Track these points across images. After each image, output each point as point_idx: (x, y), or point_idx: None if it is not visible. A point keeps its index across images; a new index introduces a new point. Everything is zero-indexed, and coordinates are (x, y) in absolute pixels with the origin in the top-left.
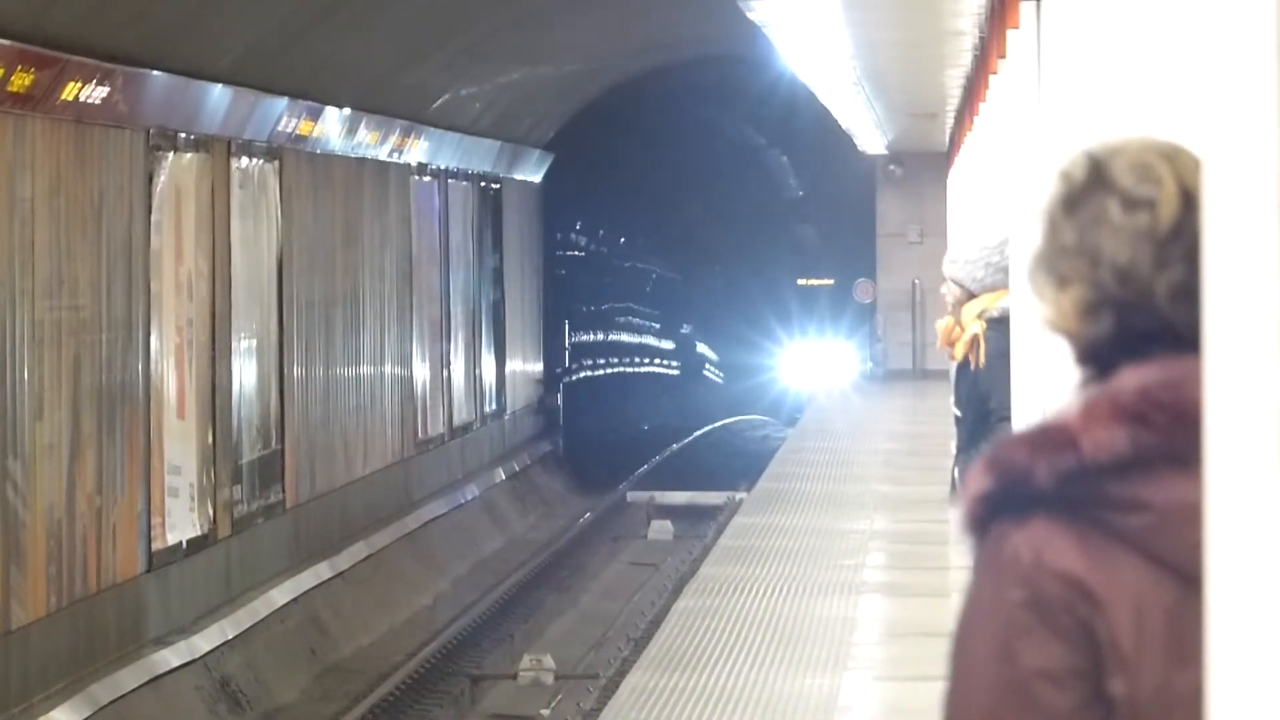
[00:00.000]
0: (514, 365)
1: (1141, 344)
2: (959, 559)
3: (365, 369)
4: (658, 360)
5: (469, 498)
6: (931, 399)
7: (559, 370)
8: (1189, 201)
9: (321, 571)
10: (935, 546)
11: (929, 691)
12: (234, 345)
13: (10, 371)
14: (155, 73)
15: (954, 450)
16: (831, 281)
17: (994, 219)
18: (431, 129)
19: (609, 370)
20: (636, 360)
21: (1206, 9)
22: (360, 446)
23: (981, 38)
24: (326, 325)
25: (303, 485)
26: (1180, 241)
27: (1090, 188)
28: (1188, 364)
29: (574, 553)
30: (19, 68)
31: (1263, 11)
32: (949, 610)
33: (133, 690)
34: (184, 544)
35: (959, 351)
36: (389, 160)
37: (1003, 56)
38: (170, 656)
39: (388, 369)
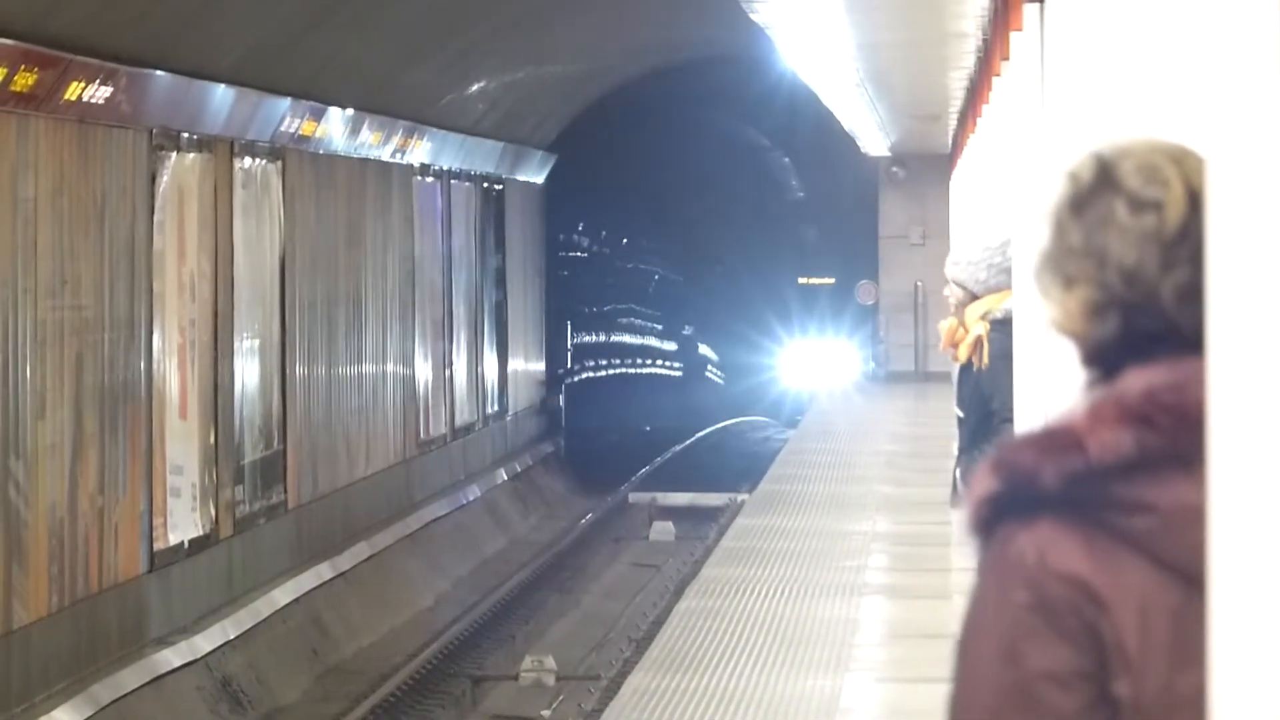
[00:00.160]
0: (516, 366)
1: (1147, 345)
2: (961, 561)
3: (367, 369)
4: (660, 361)
5: (471, 498)
6: (933, 401)
7: (561, 371)
8: (1196, 203)
9: (323, 572)
10: (937, 548)
11: (931, 693)
12: (236, 345)
13: (13, 371)
14: (158, 73)
15: (956, 452)
16: (832, 280)
17: (997, 221)
18: (434, 130)
19: (611, 371)
20: (638, 361)
21: (1210, 11)
22: (362, 447)
23: (984, 39)
24: (329, 326)
25: (305, 485)
26: (1187, 243)
27: (1097, 189)
28: (1194, 366)
29: (576, 554)
30: (22, 67)
31: (1266, 13)
32: (951, 612)
33: (134, 690)
34: (186, 544)
35: (962, 353)
36: (392, 161)
37: (1006, 58)
38: (172, 656)
39: (390, 369)
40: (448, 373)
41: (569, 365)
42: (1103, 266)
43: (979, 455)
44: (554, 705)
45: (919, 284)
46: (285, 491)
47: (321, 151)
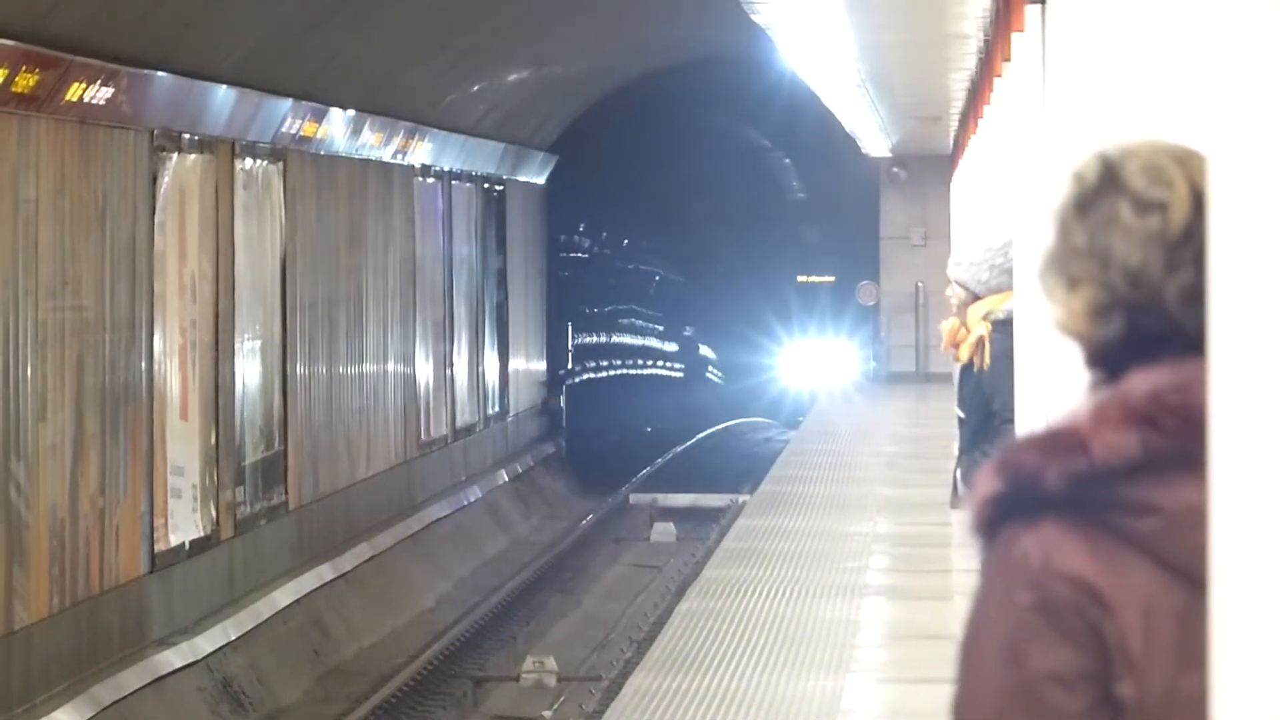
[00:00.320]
0: (517, 367)
1: (1152, 347)
2: (962, 562)
3: (368, 370)
4: (661, 362)
5: (472, 499)
6: (934, 402)
7: (562, 372)
8: (1200, 204)
9: (324, 573)
10: (938, 549)
11: (932, 694)
12: (237, 346)
13: (14, 372)
14: (159, 74)
15: (957, 452)
16: (832, 279)
17: (998, 222)
18: (435, 130)
19: (612, 372)
20: (639, 362)
21: (1212, 11)
22: (363, 448)
23: (986, 40)
24: (330, 326)
25: (305, 486)
26: (1191, 244)
27: (1102, 190)
28: (1198, 367)
29: (577, 554)
30: (23, 68)
31: (1268, 13)
32: (952, 613)
33: (135, 691)
34: (187, 545)
35: (964, 353)
36: (393, 162)
37: (1007, 59)
38: (173, 657)
39: (391, 370)
40: (449, 373)
41: (570, 366)
42: (1107, 267)
43: (980, 456)
44: (555, 706)
45: (920, 285)
46: (286, 492)
47: (323, 152)
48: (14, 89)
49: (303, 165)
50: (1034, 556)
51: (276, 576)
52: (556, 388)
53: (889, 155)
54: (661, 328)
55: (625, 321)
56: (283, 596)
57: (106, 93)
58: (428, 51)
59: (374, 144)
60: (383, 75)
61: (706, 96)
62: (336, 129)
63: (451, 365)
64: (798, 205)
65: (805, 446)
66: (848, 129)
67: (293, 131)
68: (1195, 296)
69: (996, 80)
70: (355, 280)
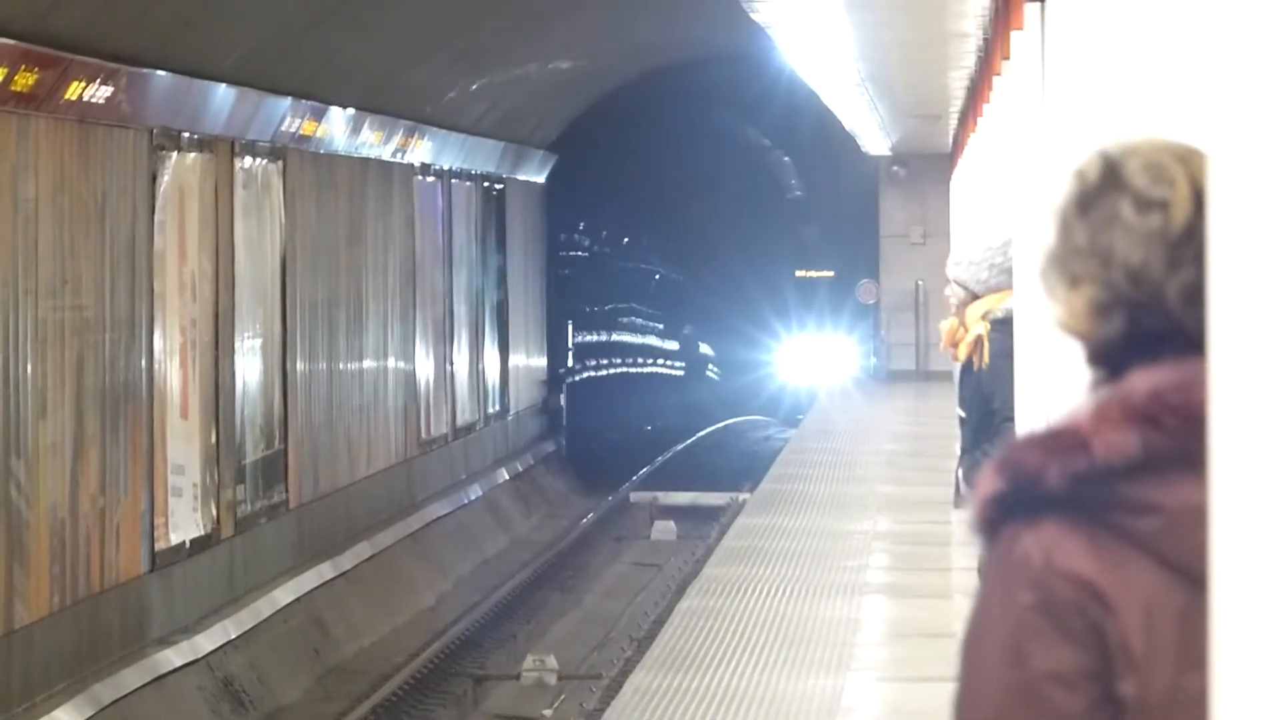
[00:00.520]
0: (517, 365)
1: (1153, 345)
2: (962, 560)
3: (369, 369)
4: (661, 361)
5: (472, 498)
6: (934, 400)
7: (562, 370)
8: (1201, 203)
9: (324, 571)
10: (939, 548)
11: (933, 693)
12: (237, 345)
13: (14, 371)
14: (159, 72)
15: (958, 451)
16: (831, 273)
17: (998, 220)
18: (435, 129)
19: (612, 371)
20: (640, 361)
21: (1211, 9)
22: (363, 446)
23: (985, 39)
24: (330, 325)
25: (306, 485)
26: (1192, 243)
27: (1103, 188)
28: (1199, 366)
29: (577, 553)
30: (22, 67)
31: (1267, 11)
32: (952, 611)
33: (135, 690)
34: (187, 544)
35: (963, 352)
36: (393, 160)
37: (1006, 58)
38: (173, 656)
39: (391, 369)
40: (449, 372)
41: (570, 364)
42: (1108, 266)
43: (981, 455)
44: (556, 705)
45: (920, 283)
46: (286, 491)
47: (322, 151)
48: (13, 88)
49: (302, 164)
50: (1035, 556)
51: (277, 575)
52: (556, 386)
53: (889, 154)
54: (661, 326)
55: (625, 320)
56: (283, 595)
57: (106, 92)
58: (427, 50)
59: (374, 143)
60: (382, 74)
61: (706, 95)
62: (336, 128)
63: (451, 364)
64: (797, 204)
65: (805, 445)
66: (847, 127)
67: (292, 130)
68: (1196, 295)
69: (996, 79)
70: (355, 279)
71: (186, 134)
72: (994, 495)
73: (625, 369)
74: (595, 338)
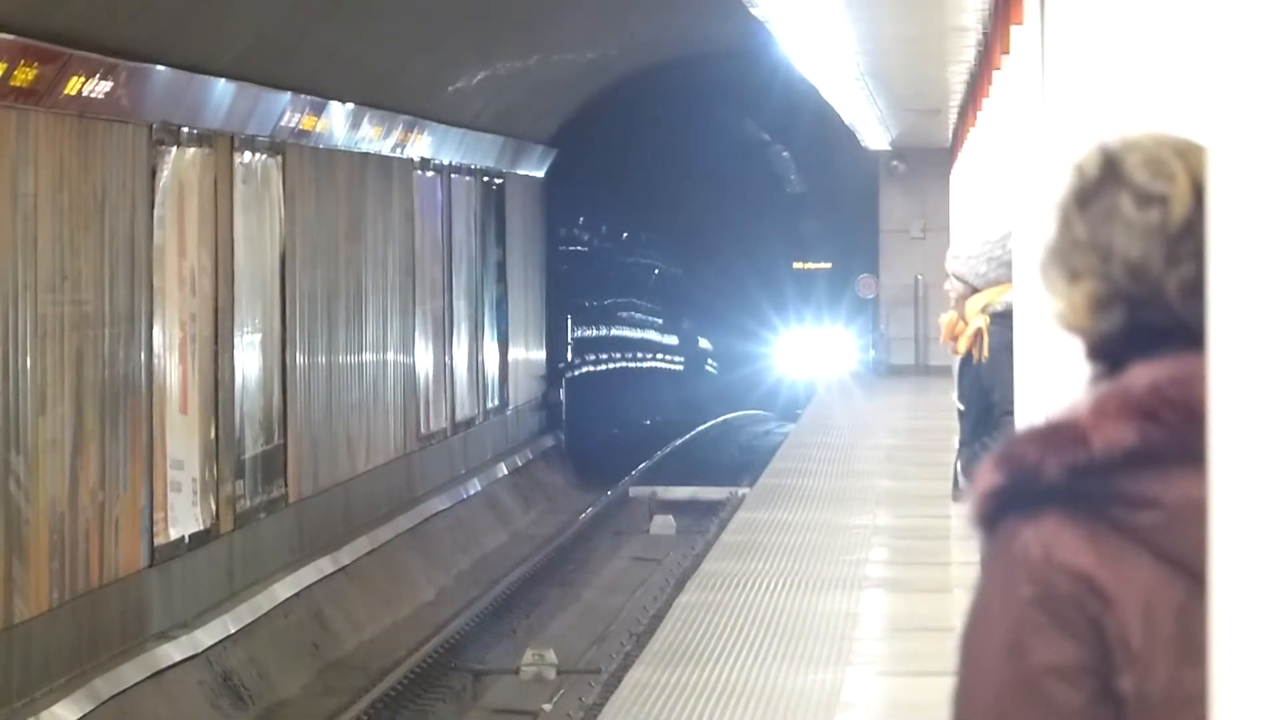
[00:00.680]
0: (516, 360)
1: (1152, 340)
2: (961, 554)
3: (368, 364)
4: (660, 355)
5: (471, 493)
6: (934, 394)
7: (561, 365)
8: (1201, 198)
9: (324, 566)
10: (938, 541)
11: (932, 686)
12: (237, 340)
13: (13, 366)
14: (159, 67)
15: (957, 445)
16: (829, 265)
17: (997, 215)
18: (435, 124)
19: (611, 365)
20: (639, 355)
21: (1211, 3)
22: (363, 441)
23: (985, 33)
24: (329, 320)
25: (305, 480)
26: (1192, 238)
27: (1103, 182)
28: (1198, 361)
29: (576, 548)
30: (22, 62)
31: (1267, 6)
32: (952, 605)
33: (135, 685)
34: (186, 539)
35: (962, 346)
36: (392, 155)
37: (1006, 52)
38: (173, 651)
39: (390, 363)
40: (448, 367)
41: (569, 359)
42: (1108, 260)
43: (980, 448)
44: (555, 699)
45: (919, 278)
46: (286, 486)
47: (322, 146)
48: (13, 83)
49: (302, 159)
50: (1034, 549)
51: (276, 570)
52: (556, 381)
53: (888, 148)
54: (660, 320)
55: (624, 314)
56: (282, 590)
57: (105, 86)
58: (427, 45)
59: (373, 138)
60: (382, 69)
61: (705, 90)
62: (336, 123)
63: (451, 359)
64: (796, 198)
65: (804, 439)
66: (847, 122)
67: (292, 125)
68: (1196, 290)
69: (995, 73)
70: (354, 274)
71: (186, 129)
72: (993, 489)
73: (624, 364)
74: (594, 332)
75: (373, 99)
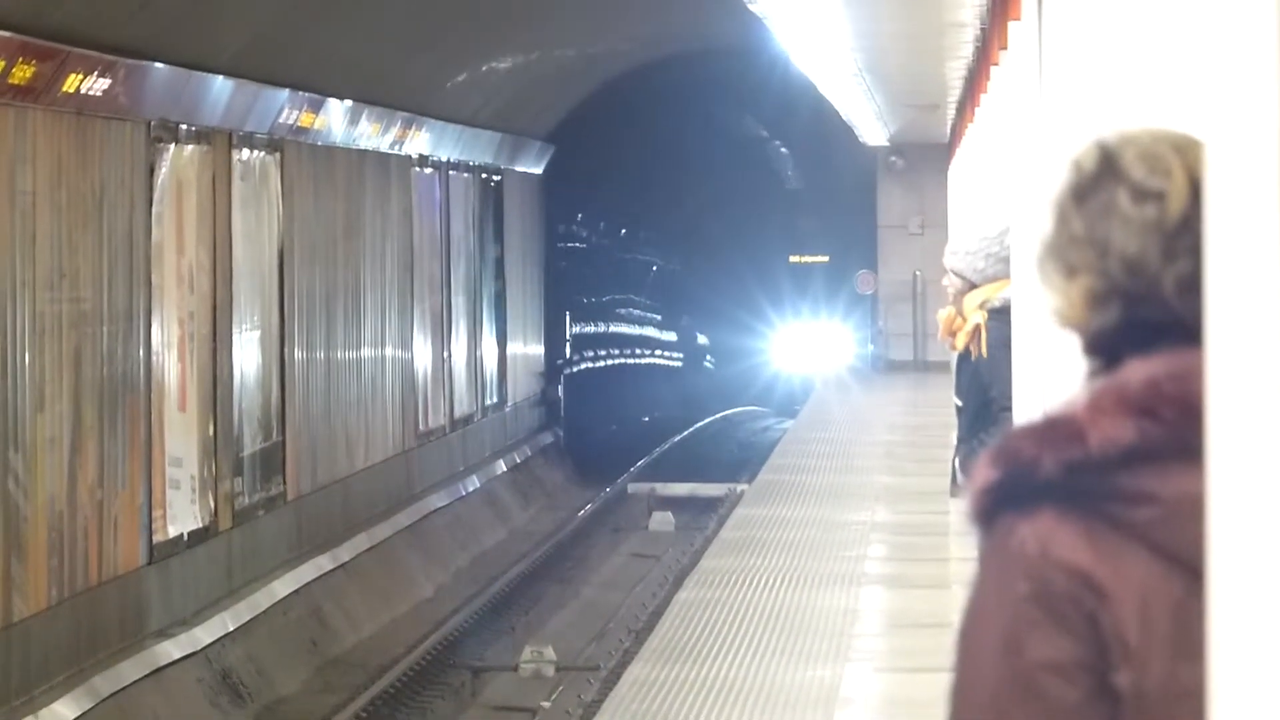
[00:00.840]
0: (515, 357)
1: (1149, 336)
2: (960, 550)
3: (366, 360)
4: (659, 352)
5: (470, 489)
6: (932, 390)
7: (560, 362)
8: (1199, 194)
9: (323, 563)
10: (936, 538)
11: (930, 683)
12: (235, 337)
13: (12, 364)
14: (157, 65)
15: (955, 441)
16: (826, 258)
17: (995, 210)
18: (433, 121)
19: (610, 362)
20: (638, 352)
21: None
22: (361, 438)
23: (983, 29)
24: (328, 317)
25: (304, 477)
26: (1189, 234)
27: (1100, 178)
28: (1195, 357)
29: (575, 544)
30: (20, 60)
31: (1263, 2)
32: (950, 602)
33: (134, 682)
34: (185, 536)
35: (960, 342)
36: (390, 152)
37: (1004, 48)
38: (172, 649)
39: (389, 360)
40: (447, 363)
41: (568, 355)
42: (1105, 256)
43: (978, 444)
44: (554, 696)
45: (917, 273)
46: (284, 483)
47: (320, 143)
48: (11, 80)
49: (300, 156)
50: (1031, 546)
51: (275, 567)
52: (554, 377)
53: (887, 144)
54: (659, 317)
55: (623, 311)
56: (281, 587)
57: (103, 84)
58: (425, 42)
59: (371, 134)
60: (380, 66)
61: (704, 86)
62: (334, 119)
63: (449, 355)
64: (795, 194)
65: (803, 435)
66: (845, 118)
67: (290, 122)
68: (1193, 286)
69: (994, 69)
70: (353, 271)
71: (184, 126)
72: (989, 485)
73: (623, 360)
74: (593, 329)
75: (371, 96)
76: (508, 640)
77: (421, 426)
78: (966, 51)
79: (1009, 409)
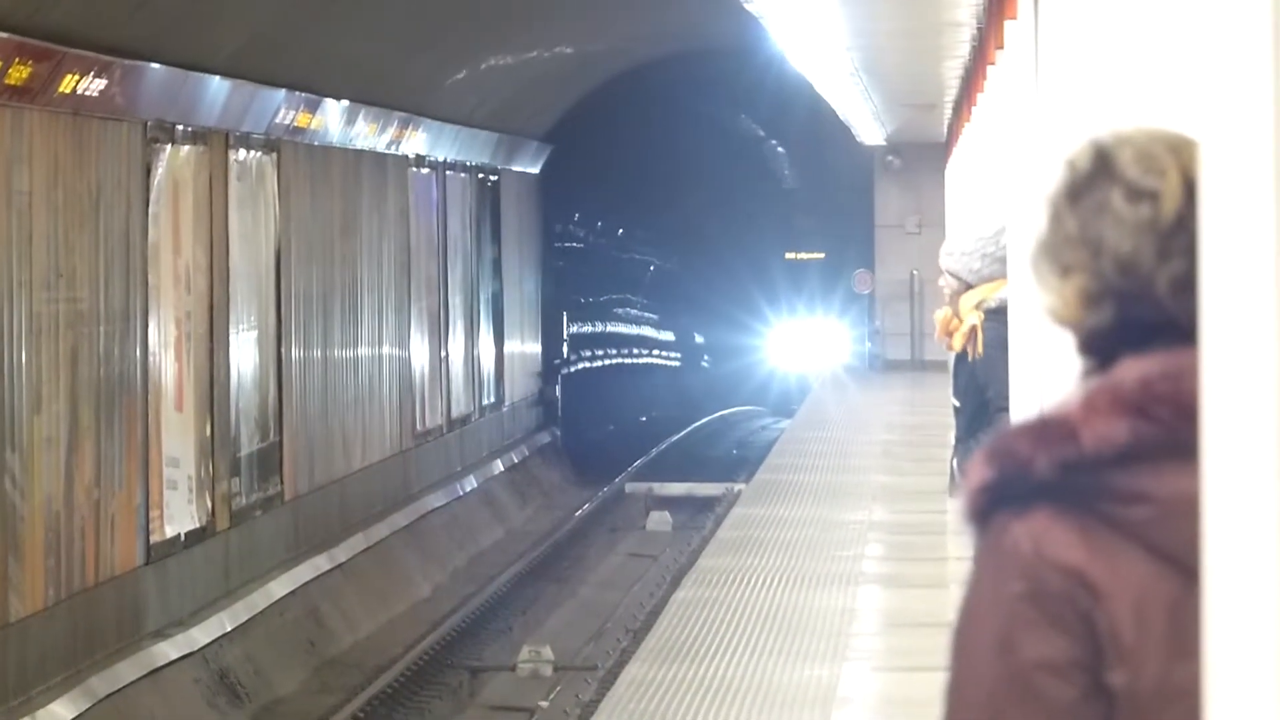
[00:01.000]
0: (512, 356)
1: (1143, 335)
2: (957, 550)
3: (364, 360)
4: (656, 351)
5: (467, 489)
6: (929, 390)
7: (557, 361)
8: (1193, 194)
9: (320, 564)
10: (934, 537)
11: (928, 682)
12: (232, 337)
13: (8, 363)
14: (153, 65)
15: (953, 441)
16: (822, 255)
17: (992, 210)
18: (430, 121)
19: (607, 361)
20: (635, 351)
21: None
22: (359, 438)
23: (979, 28)
24: (325, 317)
25: (301, 477)
26: (1183, 234)
27: (1095, 177)
28: (1189, 356)
29: (572, 544)
30: (16, 60)
31: (1258, 2)
32: (947, 601)
33: (131, 683)
34: (182, 536)
35: (957, 342)
36: (387, 152)
37: (1001, 47)
38: (169, 649)
39: (386, 361)
40: (444, 363)
41: (565, 355)
42: (1098, 255)
43: (975, 444)
44: (551, 696)
45: (914, 273)
46: (282, 483)
47: (317, 143)
48: (7, 81)
49: (297, 156)
50: (1025, 545)
51: (272, 568)
52: (552, 377)
53: (883, 143)
54: (656, 316)
55: (620, 311)
56: (279, 588)
57: (100, 84)
58: (422, 42)
59: (368, 134)
60: (377, 66)
61: (700, 86)
62: (330, 120)
63: (446, 355)
64: (791, 194)
65: (800, 434)
66: (842, 117)
67: (287, 122)
68: (1186, 286)
69: (990, 68)
70: (350, 271)
71: (181, 126)
72: (984, 484)
73: (620, 360)
74: (590, 328)
75: (367, 96)
76: (505, 640)
77: (419, 427)
78: (963, 51)
79: (1006, 409)
